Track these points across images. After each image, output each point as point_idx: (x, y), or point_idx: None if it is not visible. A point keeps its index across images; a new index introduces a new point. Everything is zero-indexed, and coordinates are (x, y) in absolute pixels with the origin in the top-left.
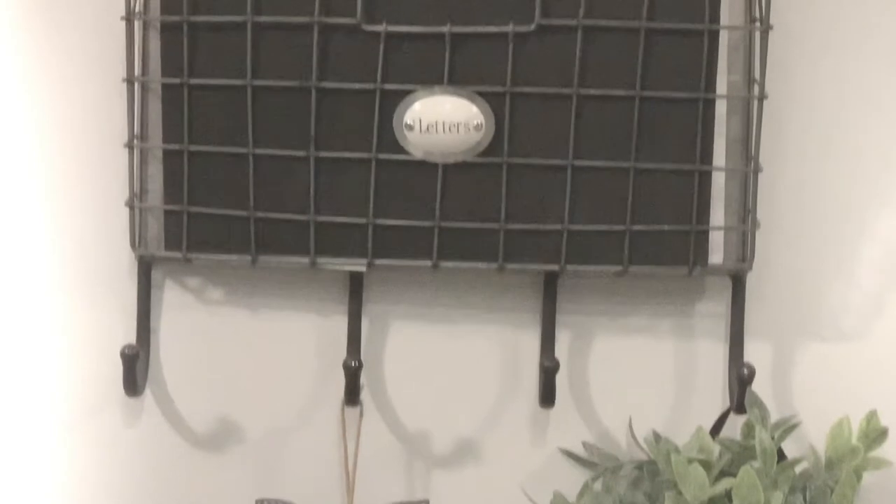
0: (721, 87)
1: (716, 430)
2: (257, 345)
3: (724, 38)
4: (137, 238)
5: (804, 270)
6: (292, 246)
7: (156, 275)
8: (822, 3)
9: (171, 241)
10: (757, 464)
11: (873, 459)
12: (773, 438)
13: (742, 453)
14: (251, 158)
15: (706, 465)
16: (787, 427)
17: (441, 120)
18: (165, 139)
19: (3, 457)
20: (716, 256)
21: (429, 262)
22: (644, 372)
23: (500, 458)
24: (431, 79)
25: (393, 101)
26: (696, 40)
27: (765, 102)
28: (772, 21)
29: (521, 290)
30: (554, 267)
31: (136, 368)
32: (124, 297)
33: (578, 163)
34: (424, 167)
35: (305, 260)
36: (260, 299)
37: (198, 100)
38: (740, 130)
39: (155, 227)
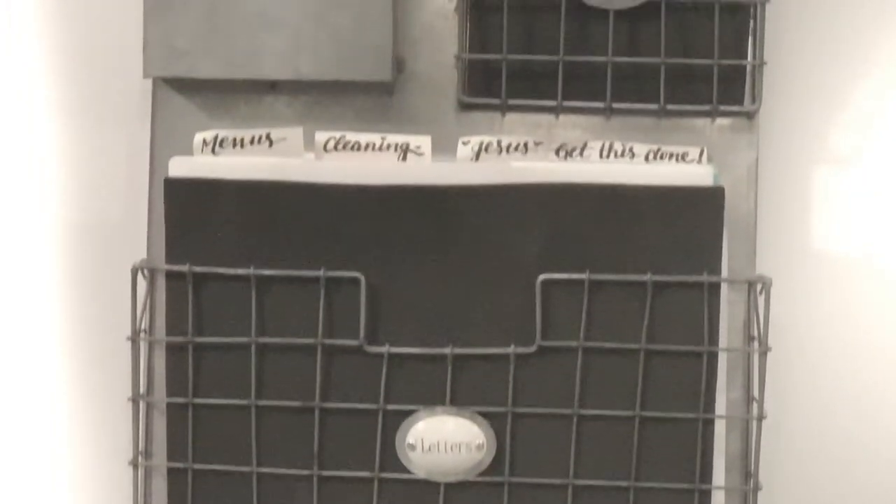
0: (720, 405)
1: None
2: None
3: (722, 357)
4: None
5: None
6: None
7: None
8: (817, 325)
9: None
10: None
11: None
12: None
13: None
14: (255, 477)
15: None
16: None
17: (443, 440)
18: (170, 457)
19: None
20: None
21: None
22: None
23: None
24: (433, 399)
25: (395, 421)
26: (696, 361)
27: (764, 421)
28: (770, 342)
29: None
30: None
31: None
32: None
33: (579, 482)
34: (426, 486)
35: None
36: None
37: (202, 418)
38: (739, 447)
39: None
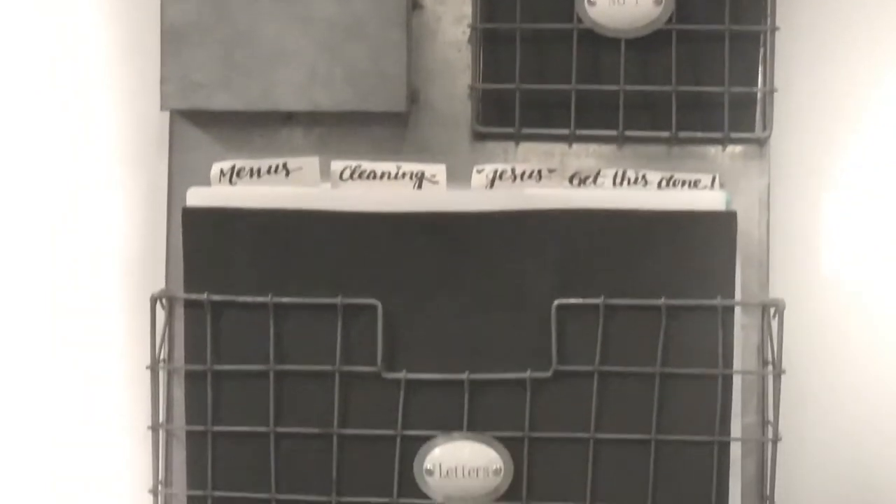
0: (735, 429)
1: None
2: None
3: (737, 381)
4: None
5: None
6: None
7: None
8: (831, 348)
9: None
10: None
11: None
12: None
13: None
14: None
15: None
16: None
17: (460, 465)
18: (189, 485)
19: None
20: None
21: None
22: None
23: None
24: (451, 424)
25: (413, 447)
26: (711, 385)
27: (779, 444)
28: (784, 365)
29: None
30: None
31: None
32: None
33: None
34: None
35: None
36: None
37: (221, 445)
38: (755, 471)
39: None
